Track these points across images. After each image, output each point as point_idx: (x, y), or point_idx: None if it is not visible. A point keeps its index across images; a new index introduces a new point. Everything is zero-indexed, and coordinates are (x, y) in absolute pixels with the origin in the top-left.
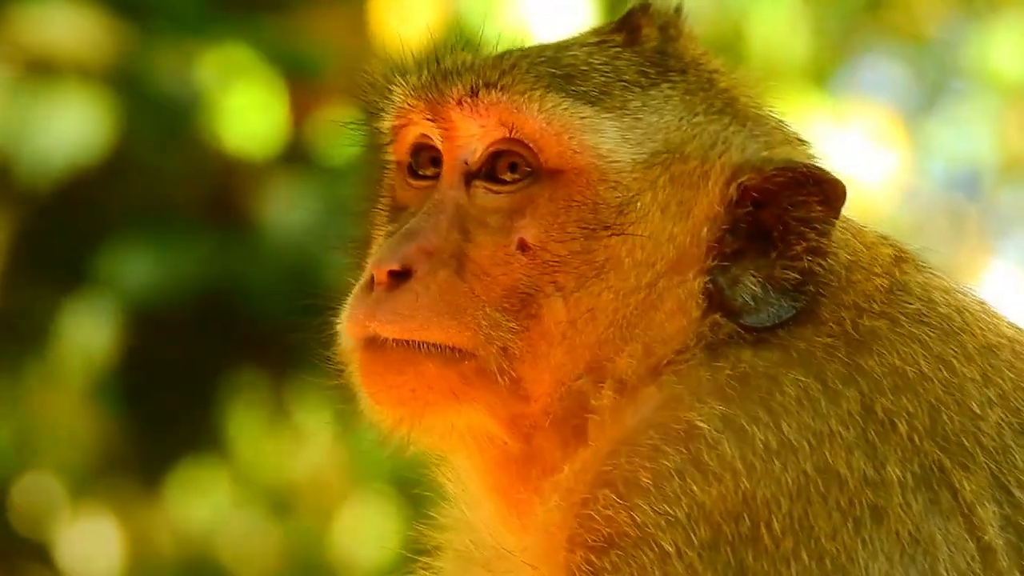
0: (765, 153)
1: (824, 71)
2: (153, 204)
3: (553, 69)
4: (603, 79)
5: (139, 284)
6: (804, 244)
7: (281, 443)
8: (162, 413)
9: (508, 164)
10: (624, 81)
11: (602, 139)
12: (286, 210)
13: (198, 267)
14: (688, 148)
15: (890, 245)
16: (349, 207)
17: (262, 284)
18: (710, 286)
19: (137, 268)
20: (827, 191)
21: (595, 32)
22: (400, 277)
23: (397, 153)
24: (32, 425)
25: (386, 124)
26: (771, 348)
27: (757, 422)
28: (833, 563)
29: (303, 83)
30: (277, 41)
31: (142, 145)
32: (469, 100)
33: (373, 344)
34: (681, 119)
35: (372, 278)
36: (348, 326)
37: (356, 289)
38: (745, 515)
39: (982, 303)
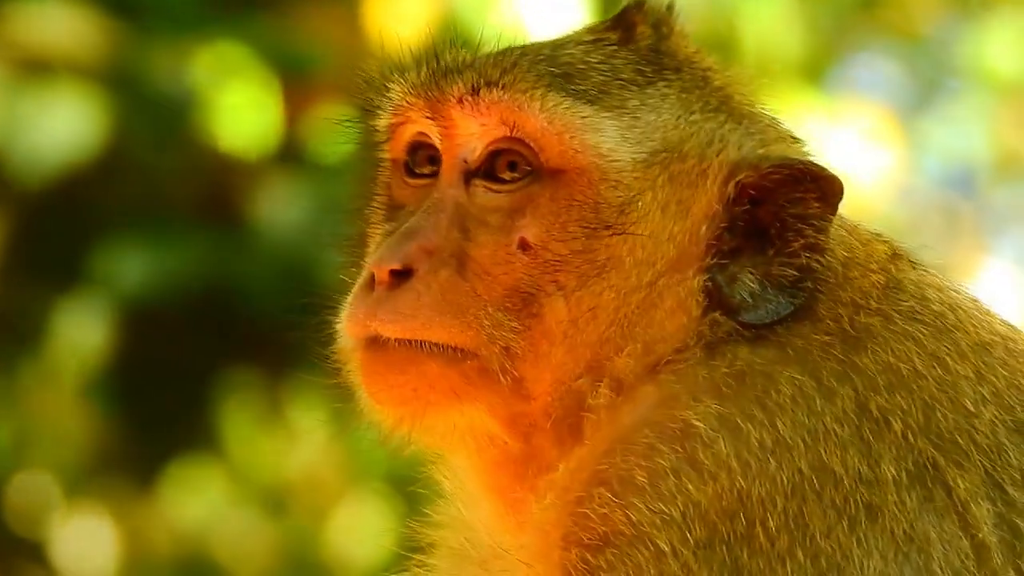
0: (762, 151)
1: (818, 69)
2: (148, 203)
3: (552, 68)
4: (601, 78)
5: (134, 283)
6: (802, 241)
7: (276, 441)
8: (157, 412)
9: (507, 163)
10: (621, 80)
11: (602, 138)
12: (281, 208)
13: (193, 265)
14: (686, 147)
15: (884, 242)
16: (344, 205)
17: (257, 282)
18: (709, 284)
19: (132, 267)
20: (824, 188)
21: (590, 30)
22: (401, 276)
23: (393, 151)
24: (27, 424)
25: (382, 122)
26: (768, 345)
27: (752, 420)
28: (828, 561)
29: (297, 81)
30: (271, 39)
31: (137, 143)
32: (470, 98)
33: (374, 344)
34: (678, 117)
35: (372, 277)
36: (348, 325)
37: (355, 288)
38: (740, 513)
39: (975, 300)
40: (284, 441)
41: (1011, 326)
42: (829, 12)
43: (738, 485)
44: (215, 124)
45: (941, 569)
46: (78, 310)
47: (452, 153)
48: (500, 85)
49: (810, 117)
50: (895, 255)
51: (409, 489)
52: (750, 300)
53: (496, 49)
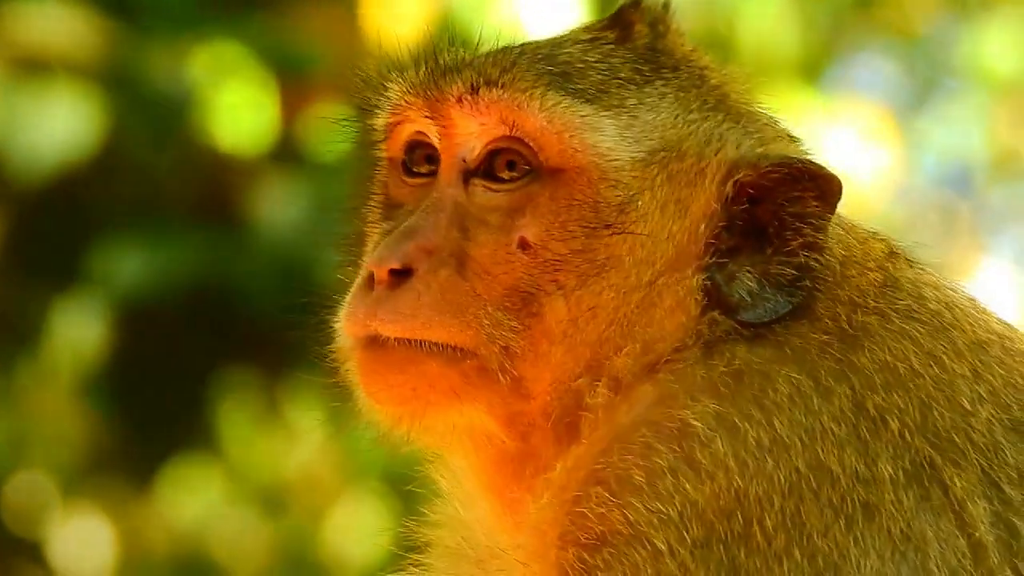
0: (760, 149)
1: (816, 68)
2: (144, 202)
3: (551, 67)
4: (599, 77)
5: (131, 282)
6: (800, 240)
7: (273, 441)
8: (154, 411)
9: (506, 162)
10: (620, 79)
11: (602, 137)
12: (277, 207)
13: (190, 265)
14: (684, 145)
15: (881, 240)
16: (341, 204)
17: (254, 282)
18: (708, 283)
19: (128, 266)
20: (823, 186)
21: (587, 29)
22: (400, 276)
23: (391, 150)
24: (24, 423)
25: (380, 121)
26: (766, 344)
27: (750, 420)
28: (825, 560)
29: (295, 80)
30: (268, 39)
31: (134, 143)
32: (469, 98)
33: (374, 343)
34: (676, 116)
35: (371, 276)
36: (347, 325)
37: (354, 287)
38: (737, 513)
39: (971, 299)
40: (281, 440)
41: (1008, 325)
42: (826, 11)
43: (735, 484)
44: (212, 123)
45: (938, 568)
46: (75, 309)
47: (451, 152)
48: (499, 84)
49: (808, 116)
50: (892, 253)
51: (406, 488)
52: (748, 299)
53: (494, 48)
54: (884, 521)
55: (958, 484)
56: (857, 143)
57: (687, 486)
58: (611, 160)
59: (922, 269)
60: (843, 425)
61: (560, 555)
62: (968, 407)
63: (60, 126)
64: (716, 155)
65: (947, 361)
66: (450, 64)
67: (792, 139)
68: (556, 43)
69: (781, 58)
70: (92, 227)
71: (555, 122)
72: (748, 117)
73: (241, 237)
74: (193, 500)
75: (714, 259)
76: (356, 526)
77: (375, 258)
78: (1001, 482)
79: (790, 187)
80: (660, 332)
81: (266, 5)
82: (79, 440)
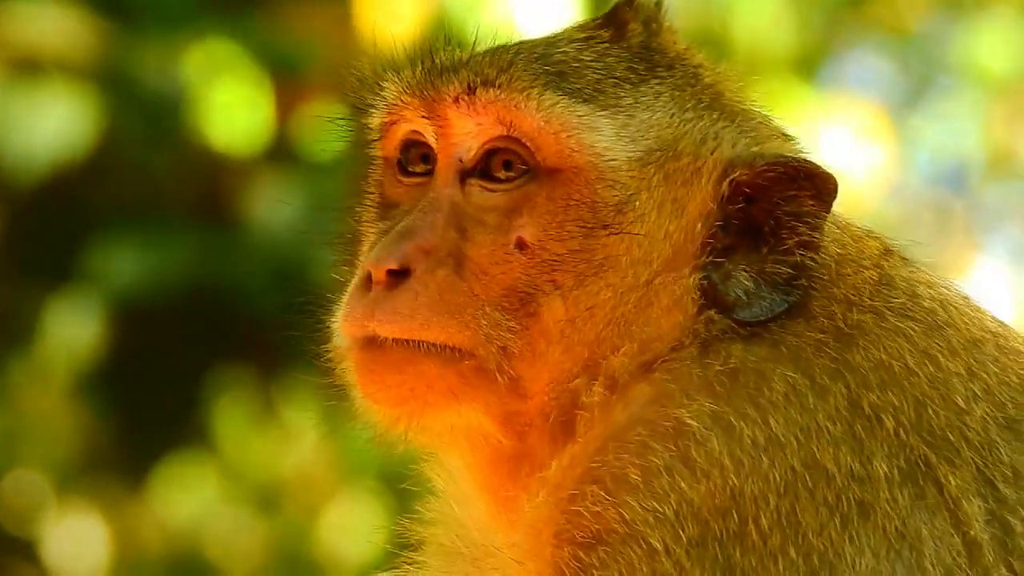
0: (756, 148)
1: (810, 65)
2: (139, 201)
3: (547, 66)
4: (595, 76)
5: (125, 281)
6: (796, 238)
7: (268, 439)
8: (148, 410)
9: (502, 162)
10: (615, 78)
11: (599, 137)
12: (272, 206)
13: (184, 264)
14: (680, 145)
15: (875, 238)
16: (336, 203)
17: (249, 280)
18: (704, 282)
19: (123, 265)
20: (819, 185)
21: (581, 28)
22: (398, 276)
23: (386, 149)
24: (18, 422)
25: (375, 120)
26: (762, 343)
27: (745, 418)
28: (820, 559)
29: (289, 79)
30: (262, 37)
31: (128, 142)
32: (466, 98)
33: (371, 344)
34: (672, 115)
35: (368, 277)
36: (345, 325)
37: (351, 288)
38: (733, 511)
39: (965, 297)
40: (276, 439)
41: (1002, 323)
42: (821, 8)
43: (731, 483)
44: (207, 122)
45: (933, 566)
46: (70, 308)
47: (447, 152)
48: (497, 84)
49: (802, 114)
50: (887, 251)
51: (401, 486)
52: (744, 298)
53: (489, 47)
54: (879, 519)
55: (953, 482)
56: (851, 141)
57: (683, 485)
58: (608, 160)
59: (916, 267)
60: (838, 424)
61: (555, 553)
62: (963, 405)
63: (55, 125)
64: (712, 154)
65: (942, 359)
66: (446, 64)
67: (786, 137)
68: (551, 42)
69: (775, 55)
70: (87, 226)
71: (552, 122)
72: (743, 115)
73: (236, 236)
74: (188, 499)
75: (710, 258)
76: (351, 524)
77: (372, 258)
78: (996, 480)
79: (786, 186)
80: (657, 331)
81: (260, 4)
82: (74, 439)
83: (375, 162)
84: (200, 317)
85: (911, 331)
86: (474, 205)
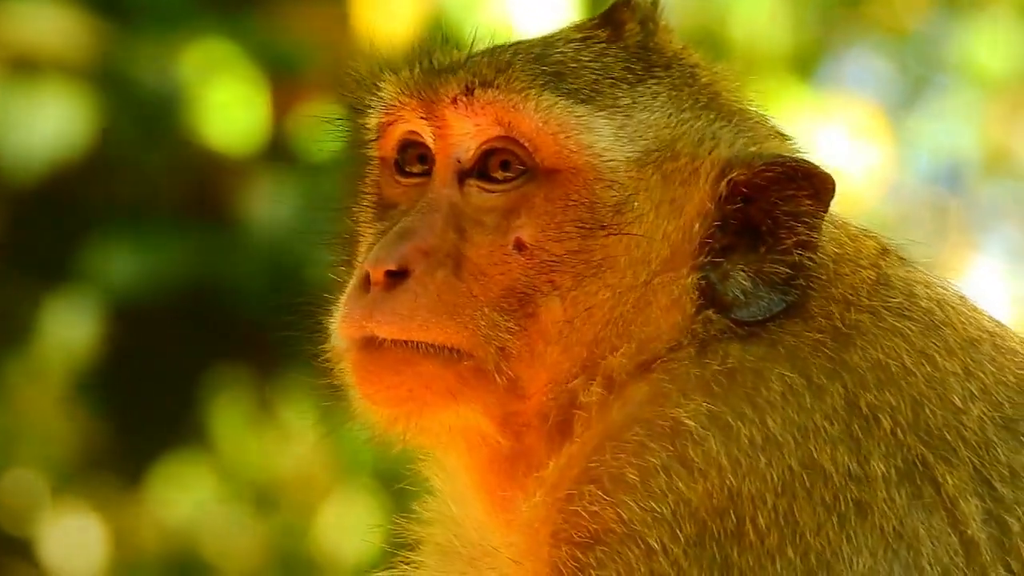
0: (753, 148)
1: (807, 65)
2: (136, 200)
3: (544, 67)
4: (593, 76)
5: (121, 280)
6: (794, 238)
7: (264, 438)
8: (145, 409)
9: (500, 162)
10: (612, 78)
11: (597, 138)
12: (268, 206)
13: (181, 263)
14: (678, 145)
15: (872, 237)
16: (332, 203)
17: (245, 280)
18: (702, 282)
19: (119, 264)
20: (816, 185)
21: (578, 28)
22: (396, 277)
23: (383, 150)
24: (15, 422)
25: (372, 120)
26: (760, 343)
27: (743, 418)
28: (818, 558)
29: (285, 78)
30: (259, 37)
31: (125, 141)
32: (464, 99)
33: (370, 345)
34: (670, 115)
35: (366, 277)
36: (343, 326)
37: (350, 288)
38: (730, 511)
39: (961, 297)
40: (273, 438)
41: (998, 322)
42: (817, 8)
43: (728, 483)
44: (203, 122)
45: (930, 565)
46: (67, 307)
47: (445, 153)
48: (495, 85)
49: (799, 113)
50: (884, 251)
51: (397, 486)
52: (742, 297)
53: (486, 47)
54: (876, 519)
55: (950, 482)
56: (848, 140)
57: (680, 484)
58: (607, 160)
59: (912, 267)
60: (836, 423)
61: (553, 553)
62: (960, 405)
63: (52, 125)
64: (710, 154)
65: (939, 359)
66: (444, 64)
67: (783, 137)
68: (548, 42)
69: (772, 55)
70: (84, 225)
71: (551, 123)
72: (740, 115)
73: (232, 235)
74: (185, 498)
75: (708, 258)
76: (348, 523)
77: (371, 259)
78: (993, 480)
79: (784, 186)
80: (655, 331)
81: (257, 3)
82: (70, 438)
83: (372, 162)
84: (197, 316)
85: (908, 331)
86: (472, 206)
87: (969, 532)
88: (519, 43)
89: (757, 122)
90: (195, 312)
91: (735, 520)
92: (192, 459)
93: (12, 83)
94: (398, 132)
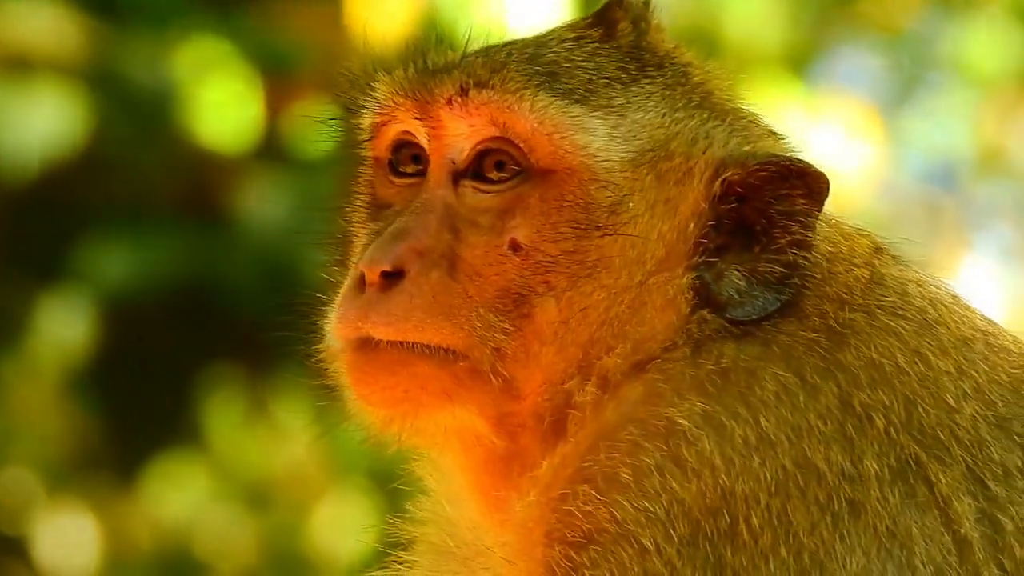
0: (747, 148)
1: (800, 63)
2: (129, 198)
3: (538, 67)
4: (587, 76)
5: (116, 278)
6: (788, 237)
7: (258, 437)
8: (139, 408)
9: (495, 163)
10: (606, 78)
11: (592, 138)
12: (262, 205)
13: (174, 262)
14: (672, 145)
15: (866, 236)
16: (326, 202)
17: (238, 279)
18: (697, 282)
19: (113, 263)
20: (810, 184)
21: (571, 27)
22: (392, 278)
23: (377, 150)
24: (9, 420)
25: (366, 120)
26: (754, 342)
27: (736, 418)
28: (811, 558)
29: (278, 77)
30: (252, 35)
31: (119, 140)
32: (459, 99)
33: (365, 345)
34: (663, 115)
35: (361, 278)
36: (339, 327)
37: (344, 289)
38: (724, 511)
39: (954, 296)
40: (267, 437)
41: (991, 321)
42: (811, 6)
43: (722, 482)
44: (197, 120)
45: (923, 564)
46: (61, 306)
47: (440, 153)
48: (490, 85)
49: (791, 111)
50: (877, 249)
51: (391, 485)
52: (737, 297)
53: (480, 47)
54: (870, 518)
55: (943, 481)
56: (842, 139)
57: (674, 484)
58: (601, 161)
59: (905, 266)
60: (829, 423)
61: (546, 553)
62: (953, 404)
63: (45, 123)
64: (704, 154)
65: (932, 358)
66: (439, 65)
67: (776, 136)
68: (541, 42)
69: (766, 53)
70: (77, 224)
71: (546, 123)
72: (733, 114)
73: (226, 234)
74: (178, 497)
75: (703, 258)
76: (341, 523)
77: (366, 260)
78: (986, 478)
79: (778, 185)
80: (650, 331)
81: (251, 2)
82: (64, 436)
83: (365, 162)
84: (191, 315)
85: (902, 330)
86: (467, 206)
87: (962, 531)
88: (512, 43)
89: (750, 121)
90: (189, 311)
91: (729, 520)
92: (186, 458)
93: (6, 82)
94: (392, 132)
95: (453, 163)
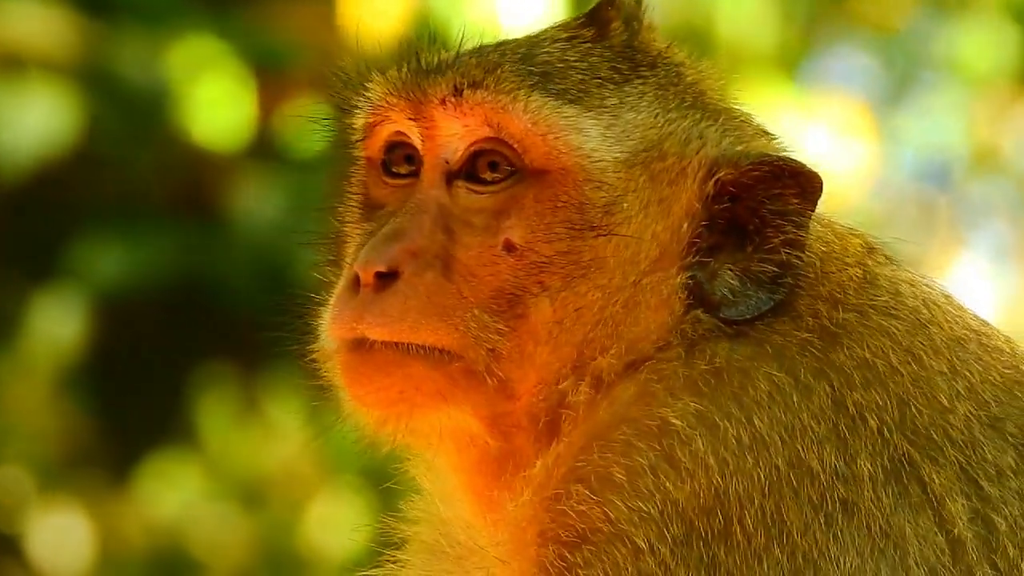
0: (740, 147)
1: (793, 62)
2: (122, 197)
3: (532, 67)
4: (580, 76)
5: (109, 277)
6: (781, 237)
7: (251, 436)
8: (132, 406)
9: (488, 163)
10: (599, 78)
11: (585, 138)
12: (255, 203)
13: (167, 260)
14: (665, 145)
15: (858, 236)
16: (319, 202)
17: (231, 277)
18: (690, 282)
19: (107, 261)
20: (803, 184)
21: (563, 27)
22: (386, 278)
23: (370, 150)
24: (1, 418)
25: (359, 121)
26: (747, 342)
27: (730, 418)
28: (804, 558)
29: (272, 76)
30: (246, 34)
31: (111, 138)
32: (453, 100)
33: (359, 346)
34: (656, 115)
35: (356, 279)
36: (333, 327)
37: (339, 290)
38: (717, 511)
39: (947, 295)
40: (260, 435)
41: (984, 321)
42: (804, 5)
43: (715, 482)
44: (190, 118)
45: (917, 564)
46: (54, 304)
47: (434, 154)
48: (484, 86)
49: (784, 110)
50: (870, 249)
51: (385, 484)
52: (731, 296)
53: (473, 47)
54: (863, 518)
55: (936, 481)
56: (835, 138)
57: (667, 484)
58: (595, 161)
59: (898, 265)
60: (822, 423)
61: (540, 552)
62: (946, 404)
63: (38, 122)
64: (697, 154)
65: (925, 358)
66: (432, 64)
67: (769, 135)
68: (534, 42)
69: (758, 52)
70: (71, 222)
71: (540, 124)
72: (725, 114)
73: (218, 232)
74: (172, 495)
75: (696, 257)
76: (335, 521)
77: (361, 261)
78: (979, 478)
79: (771, 185)
80: (644, 331)
81: (244, 0)
82: (57, 435)
83: (359, 162)
84: (184, 313)
85: (895, 330)
86: (461, 207)
87: (956, 531)
88: (506, 43)
89: (743, 121)
90: (183, 309)
91: (722, 520)
92: (180, 456)
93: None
94: (385, 132)
95: (447, 163)
